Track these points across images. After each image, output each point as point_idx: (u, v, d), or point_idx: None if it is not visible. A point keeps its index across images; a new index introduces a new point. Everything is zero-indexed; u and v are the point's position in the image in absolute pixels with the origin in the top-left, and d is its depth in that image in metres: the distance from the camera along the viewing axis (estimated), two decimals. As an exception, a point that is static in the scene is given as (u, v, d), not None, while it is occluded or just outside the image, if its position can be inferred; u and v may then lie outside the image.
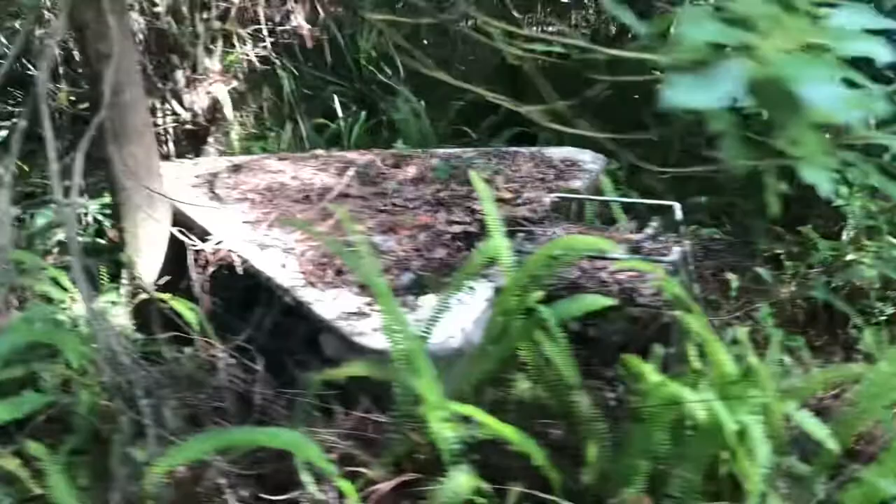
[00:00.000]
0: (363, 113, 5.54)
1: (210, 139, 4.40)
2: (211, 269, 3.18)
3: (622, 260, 2.23)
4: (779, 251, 4.30)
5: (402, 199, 3.57)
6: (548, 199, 3.44)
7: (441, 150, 4.22)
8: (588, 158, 4.13)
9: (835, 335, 3.88)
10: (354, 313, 2.77)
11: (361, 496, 2.04)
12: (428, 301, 2.81)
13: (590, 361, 3.04)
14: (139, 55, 4.35)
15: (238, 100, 4.47)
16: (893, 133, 1.18)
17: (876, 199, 3.71)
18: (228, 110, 4.35)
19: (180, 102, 4.44)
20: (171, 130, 4.65)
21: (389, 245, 3.16)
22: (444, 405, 2.05)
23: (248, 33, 4.37)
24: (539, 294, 2.40)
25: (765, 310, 3.50)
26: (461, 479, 1.97)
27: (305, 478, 1.98)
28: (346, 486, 1.99)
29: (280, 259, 3.08)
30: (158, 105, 4.62)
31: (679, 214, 3.25)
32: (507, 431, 2.00)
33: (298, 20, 4.14)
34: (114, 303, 3.44)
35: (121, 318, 3.44)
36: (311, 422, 2.21)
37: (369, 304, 2.80)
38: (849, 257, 3.63)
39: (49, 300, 3.35)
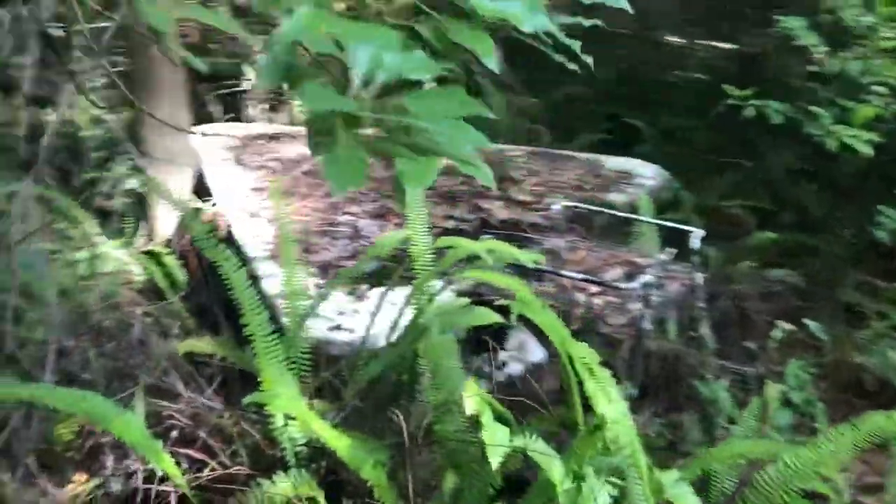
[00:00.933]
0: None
1: (258, 106, 4.41)
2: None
3: (486, 272, 1.92)
4: (865, 306, 3.75)
5: (415, 186, 3.40)
6: (556, 207, 3.14)
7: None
8: (648, 173, 3.77)
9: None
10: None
11: (188, 480, 1.92)
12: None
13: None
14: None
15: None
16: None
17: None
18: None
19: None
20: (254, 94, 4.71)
21: (372, 230, 3.01)
22: (293, 403, 1.87)
23: None
24: (463, 301, 2.17)
25: (793, 367, 3.03)
26: (282, 486, 1.80)
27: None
28: (170, 467, 1.86)
29: (259, 229, 3.01)
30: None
31: (696, 243, 2.86)
32: (340, 444, 1.79)
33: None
34: (124, 248, 3.52)
35: (131, 265, 3.51)
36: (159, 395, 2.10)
37: (318, 286, 2.68)
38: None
39: (68, 239, 3.47)
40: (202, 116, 4.53)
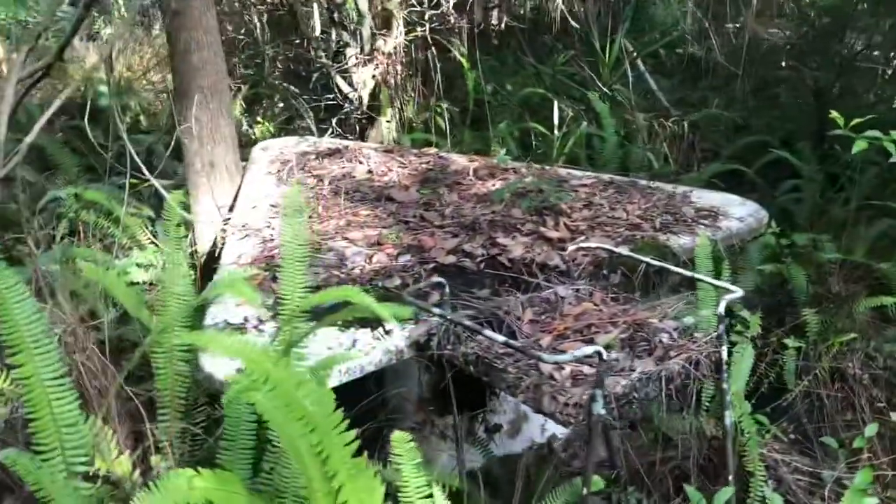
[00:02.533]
0: (584, 124, 4.92)
1: (334, 121, 4.22)
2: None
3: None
4: None
5: (439, 214, 3.03)
6: (571, 248, 2.64)
7: (561, 171, 3.52)
8: (740, 213, 3.10)
9: None
10: (235, 325, 2.39)
11: None
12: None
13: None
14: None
15: (400, 86, 4.20)
16: None
17: None
18: (365, 94, 4.11)
19: (346, 81, 4.32)
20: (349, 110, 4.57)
21: (355, 260, 2.69)
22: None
23: (411, 17, 4.06)
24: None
25: (864, 476, 2.31)
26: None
27: None
28: None
29: (244, 249, 2.81)
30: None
31: (721, 307, 2.24)
32: None
33: (448, 5, 3.70)
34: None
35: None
36: None
37: (262, 320, 2.41)
38: None
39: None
40: (294, 129, 4.46)
